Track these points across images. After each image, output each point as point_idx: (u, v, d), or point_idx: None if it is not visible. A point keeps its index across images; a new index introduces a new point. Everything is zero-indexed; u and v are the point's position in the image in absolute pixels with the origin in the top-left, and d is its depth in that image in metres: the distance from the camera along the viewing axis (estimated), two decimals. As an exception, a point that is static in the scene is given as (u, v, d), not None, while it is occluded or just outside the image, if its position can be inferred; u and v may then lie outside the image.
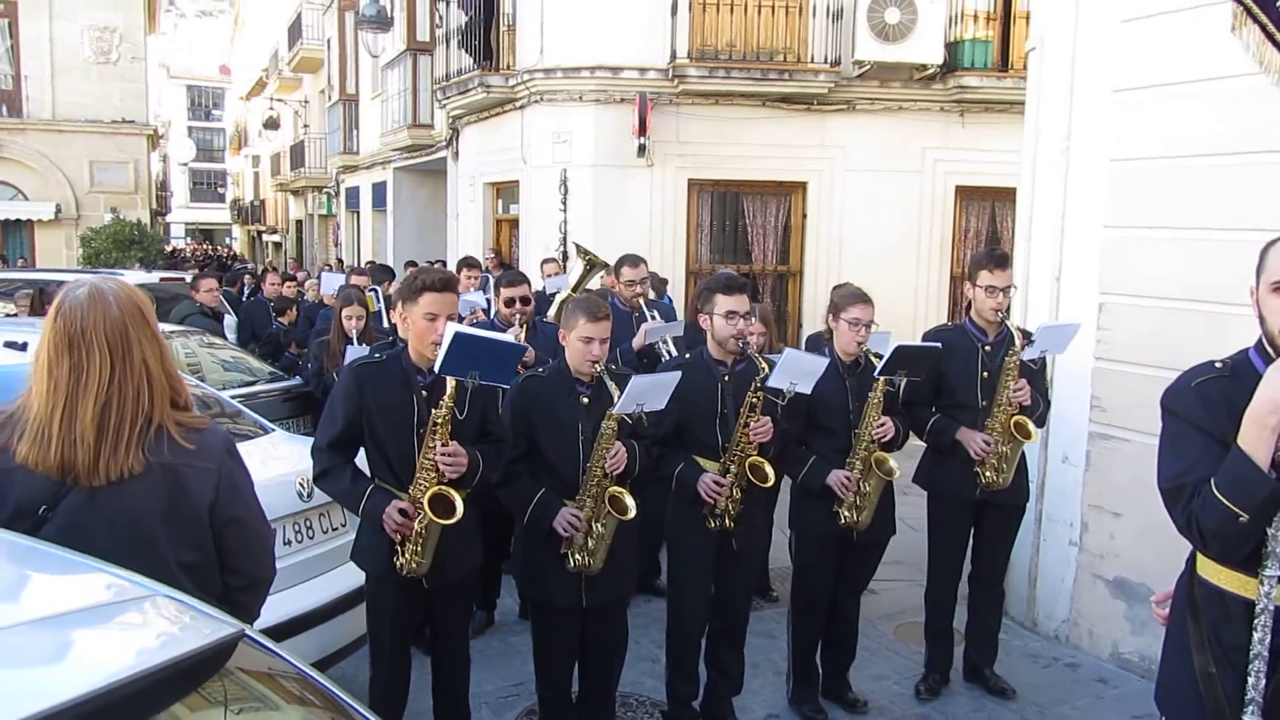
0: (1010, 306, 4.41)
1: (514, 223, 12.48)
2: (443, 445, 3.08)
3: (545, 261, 9.30)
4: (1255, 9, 1.97)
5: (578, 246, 7.32)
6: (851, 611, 4.37)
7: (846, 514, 4.03)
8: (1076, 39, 5.11)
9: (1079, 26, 5.10)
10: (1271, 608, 2.12)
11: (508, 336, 3.87)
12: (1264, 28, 1.88)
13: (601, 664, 3.69)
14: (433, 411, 3.09)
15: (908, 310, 10.57)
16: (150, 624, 1.62)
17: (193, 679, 1.46)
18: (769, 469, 3.75)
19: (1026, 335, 4.24)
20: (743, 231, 11.36)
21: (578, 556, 3.42)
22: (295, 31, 25.47)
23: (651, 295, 6.72)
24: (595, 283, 6.85)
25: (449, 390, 3.04)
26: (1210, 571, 2.26)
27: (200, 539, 2.19)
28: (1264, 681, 2.13)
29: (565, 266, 9.41)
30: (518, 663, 4.63)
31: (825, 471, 4.00)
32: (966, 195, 11.55)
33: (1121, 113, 4.81)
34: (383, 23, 15.20)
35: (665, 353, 5.45)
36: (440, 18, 13.05)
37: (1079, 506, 5.03)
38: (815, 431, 4.09)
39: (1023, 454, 4.34)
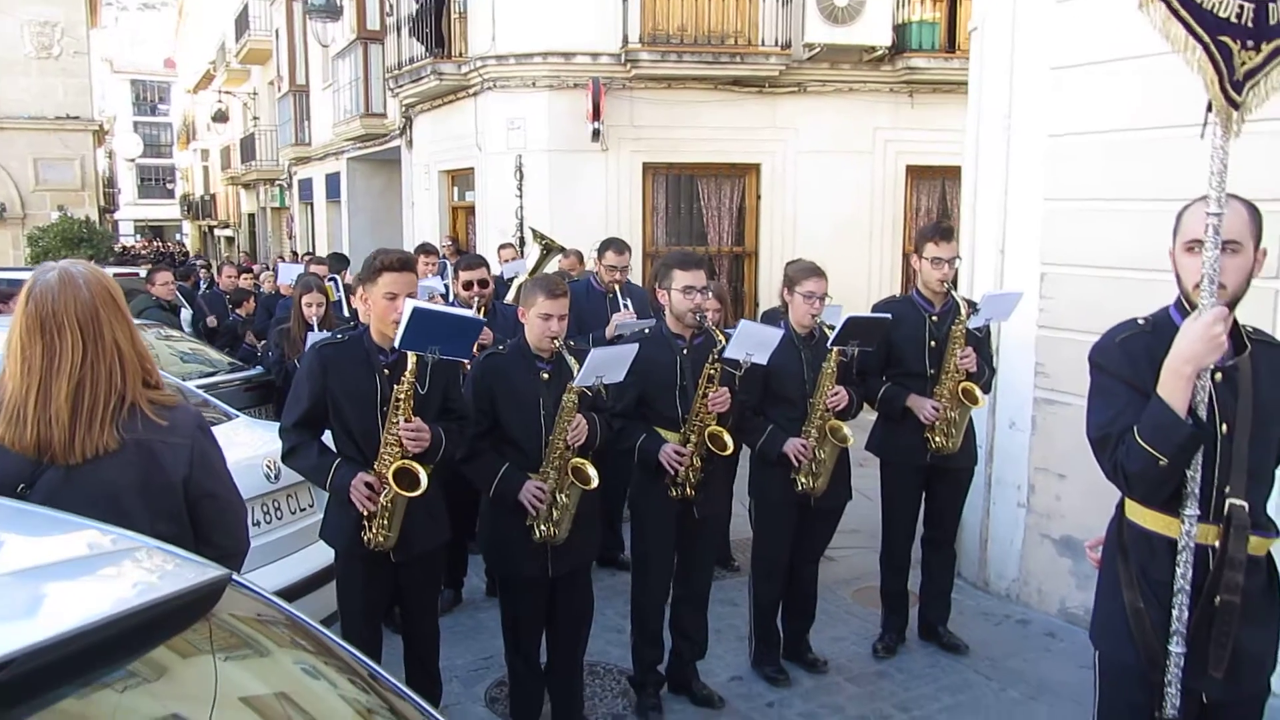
0: (956, 277, 4.56)
1: (470, 209, 12.48)
2: (405, 421, 3.16)
3: (502, 247, 9.37)
4: (1162, -15, 2.10)
5: (534, 231, 7.36)
6: (810, 577, 4.50)
7: (803, 480, 4.17)
8: (1015, 18, 5.27)
9: (1018, 6, 5.25)
10: (1192, 545, 2.29)
11: (466, 312, 3.94)
12: (1169, 3, 2.01)
13: (569, 632, 3.78)
14: (395, 387, 3.17)
15: (861, 288, 10.74)
16: (136, 571, 1.67)
17: (180, 621, 1.52)
18: (728, 438, 3.86)
19: (972, 305, 4.40)
20: (698, 214, 11.47)
21: (543, 527, 3.51)
22: (242, 22, 25.11)
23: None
24: (552, 267, 6.92)
25: (410, 365, 3.11)
26: (1137, 514, 2.43)
27: (176, 511, 2.25)
28: (1186, 613, 2.30)
29: (522, 252, 9.46)
30: (486, 637, 4.72)
31: (782, 440, 4.12)
32: (917, 174, 11.76)
33: (1058, 89, 4.98)
34: (332, 12, 15.08)
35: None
36: (391, 6, 12.97)
37: (1026, 469, 5.22)
38: (772, 401, 4.21)
39: (970, 419, 4.50)
